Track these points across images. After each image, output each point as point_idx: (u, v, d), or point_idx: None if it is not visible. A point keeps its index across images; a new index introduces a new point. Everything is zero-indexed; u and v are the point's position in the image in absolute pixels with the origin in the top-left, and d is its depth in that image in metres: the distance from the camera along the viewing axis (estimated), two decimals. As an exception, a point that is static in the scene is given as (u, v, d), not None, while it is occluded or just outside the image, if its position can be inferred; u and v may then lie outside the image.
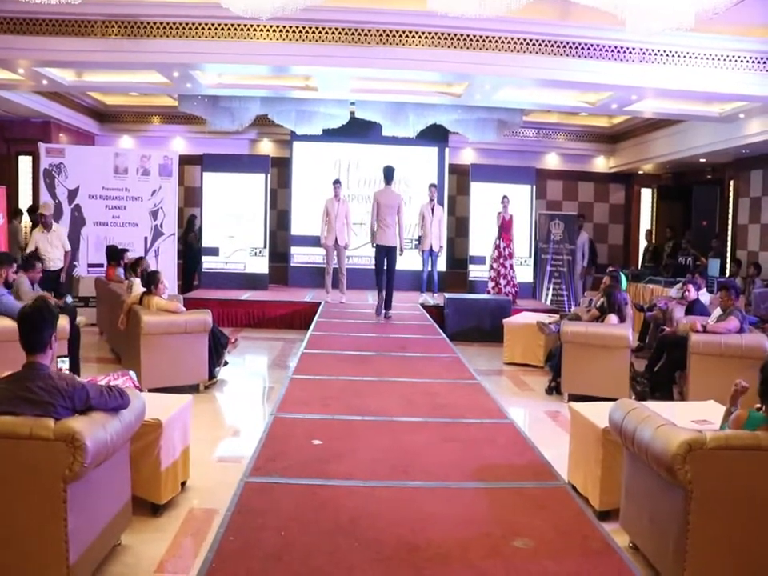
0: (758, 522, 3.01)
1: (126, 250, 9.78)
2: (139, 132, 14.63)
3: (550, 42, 8.87)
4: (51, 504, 2.80)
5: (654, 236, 15.53)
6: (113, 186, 11.27)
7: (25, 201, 12.86)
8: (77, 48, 8.66)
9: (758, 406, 3.27)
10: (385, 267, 9.53)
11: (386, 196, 9.58)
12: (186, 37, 8.66)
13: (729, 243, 13.58)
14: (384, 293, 9.51)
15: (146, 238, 11.44)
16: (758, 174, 12.69)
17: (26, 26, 8.53)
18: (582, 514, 3.23)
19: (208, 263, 12.81)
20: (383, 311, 9.54)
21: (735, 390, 3.56)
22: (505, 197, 11.64)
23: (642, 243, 15.56)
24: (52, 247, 9.40)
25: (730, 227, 13.64)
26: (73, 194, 11.08)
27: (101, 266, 10.50)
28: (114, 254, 9.58)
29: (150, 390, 5.55)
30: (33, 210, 12.40)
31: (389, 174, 9.61)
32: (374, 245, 9.63)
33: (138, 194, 11.38)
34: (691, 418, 4.16)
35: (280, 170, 14.21)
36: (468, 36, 8.81)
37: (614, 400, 4.05)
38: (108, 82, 10.99)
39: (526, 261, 13.16)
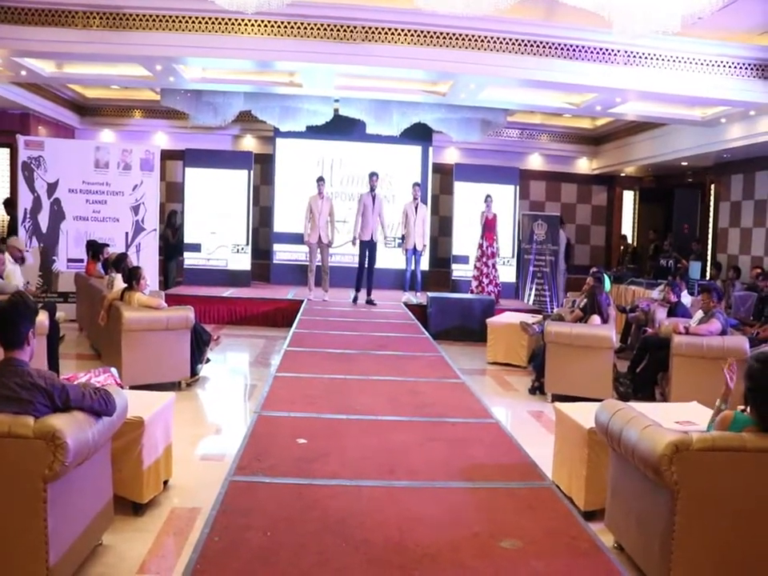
0: (743, 523, 3.01)
1: (107, 245, 9.66)
2: (120, 126, 14.49)
3: (535, 42, 8.90)
4: (31, 504, 2.73)
5: (634, 239, 15.64)
6: (93, 181, 11.11)
7: (2, 193, 12.68)
8: (57, 38, 8.53)
9: (742, 407, 3.28)
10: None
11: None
12: (170, 30, 8.57)
13: (709, 246, 13.71)
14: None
15: (126, 234, 11.30)
16: (738, 179, 12.81)
17: (4, 15, 8.39)
18: (570, 514, 3.22)
19: (190, 259, 12.71)
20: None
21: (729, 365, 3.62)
22: (488, 196, 11.71)
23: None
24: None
25: (710, 230, 13.77)
26: (52, 188, 10.92)
27: (81, 261, 10.37)
28: (95, 249, 9.46)
29: (132, 387, 5.47)
30: (8, 203, 12.23)
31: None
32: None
33: (119, 188, 11.23)
34: (675, 419, 4.16)
35: (263, 166, 14.16)
36: (453, 35, 8.82)
37: (598, 400, 4.05)
38: (89, 74, 10.84)
39: (508, 261, 13.18)
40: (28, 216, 10.79)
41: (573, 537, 2.99)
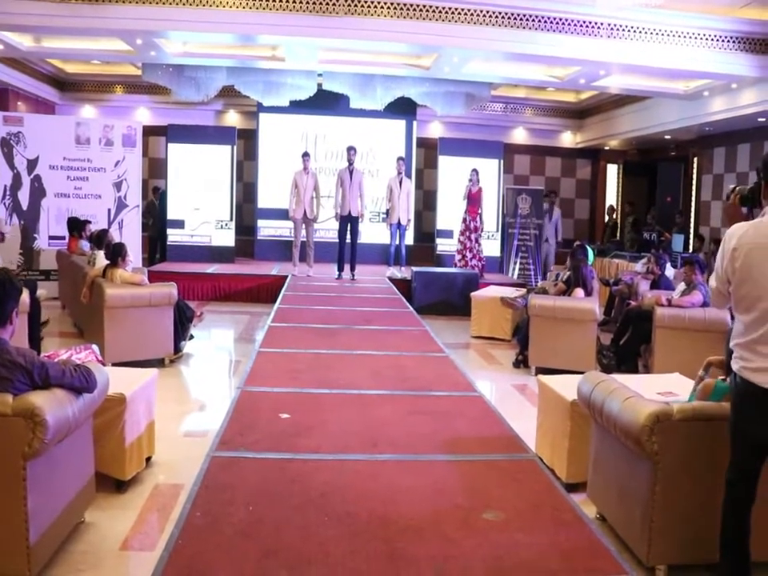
0: (722, 492, 3.04)
1: (89, 222, 9.56)
2: (102, 102, 14.26)
3: (518, 15, 8.83)
4: (10, 482, 2.71)
5: (618, 212, 15.66)
6: (74, 157, 10.94)
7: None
8: (34, 11, 8.35)
9: (723, 377, 3.30)
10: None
11: None
12: (151, 3, 8.42)
13: (692, 219, 13.76)
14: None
15: (109, 210, 11.17)
16: (720, 152, 12.84)
17: (-23, -12, 8.21)
18: (553, 486, 3.25)
19: (173, 236, 12.61)
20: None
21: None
22: (474, 170, 11.64)
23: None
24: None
25: (693, 203, 13.82)
26: (32, 165, 10.74)
27: (62, 238, 10.24)
28: (77, 226, 9.35)
29: (114, 365, 5.44)
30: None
31: None
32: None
33: (100, 164, 11.06)
34: (657, 390, 4.19)
35: (246, 141, 14.04)
36: (437, 7, 8.73)
37: (581, 373, 4.06)
38: (68, 48, 10.66)
39: (493, 235, 13.19)
40: (8, 193, 10.64)
41: (555, 508, 3.02)
